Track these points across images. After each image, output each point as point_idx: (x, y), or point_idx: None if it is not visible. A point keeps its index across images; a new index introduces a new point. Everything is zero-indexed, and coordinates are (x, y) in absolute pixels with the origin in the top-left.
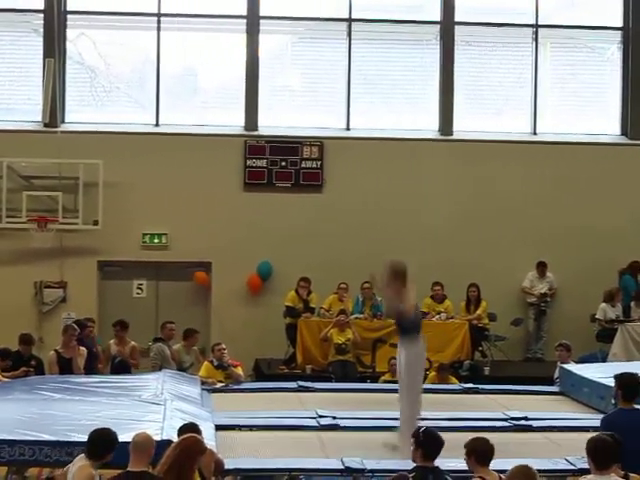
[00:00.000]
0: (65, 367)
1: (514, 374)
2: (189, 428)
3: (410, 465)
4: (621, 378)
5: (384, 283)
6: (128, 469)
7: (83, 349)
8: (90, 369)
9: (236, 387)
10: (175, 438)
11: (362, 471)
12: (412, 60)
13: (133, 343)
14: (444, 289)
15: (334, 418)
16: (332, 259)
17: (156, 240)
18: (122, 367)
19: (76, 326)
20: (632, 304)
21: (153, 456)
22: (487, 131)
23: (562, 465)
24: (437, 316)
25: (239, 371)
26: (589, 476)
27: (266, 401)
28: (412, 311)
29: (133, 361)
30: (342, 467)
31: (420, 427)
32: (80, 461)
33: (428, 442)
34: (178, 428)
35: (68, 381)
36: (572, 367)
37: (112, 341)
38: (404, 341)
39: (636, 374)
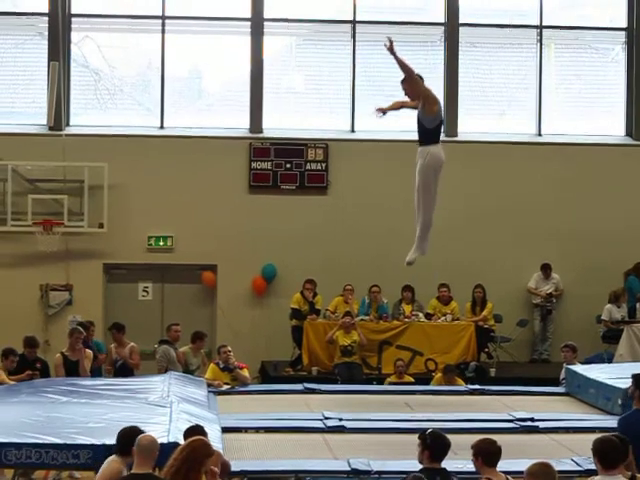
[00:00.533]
0: (71, 370)
1: (520, 375)
2: (195, 430)
3: (417, 466)
4: (638, 379)
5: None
6: (132, 471)
7: (89, 351)
8: (92, 371)
9: (242, 389)
10: (181, 440)
11: (369, 473)
12: (416, 61)
13: (132, 344)
14: (450, 290)
15: (340, 420)
16: (337, 261)
17: (161, 243)
18: (124, 370)
19: (82, 329)
20: (638, 305)
21: (157, 458)
22: (492, 132)
23: (569, 466)
24: (443, 318)
25: (245, 373)
26: (596, 477)
27: (272, 403)
28: (434, 107)
29: (132, 361)
30: (348, 469)
31: (427, 429)
32: (110, 459)
33: (435, 444)
34: (184, 430)
35: (74, 384)
36: (578, 368)
37: (112, 345)
38: (425, 145)
39: None
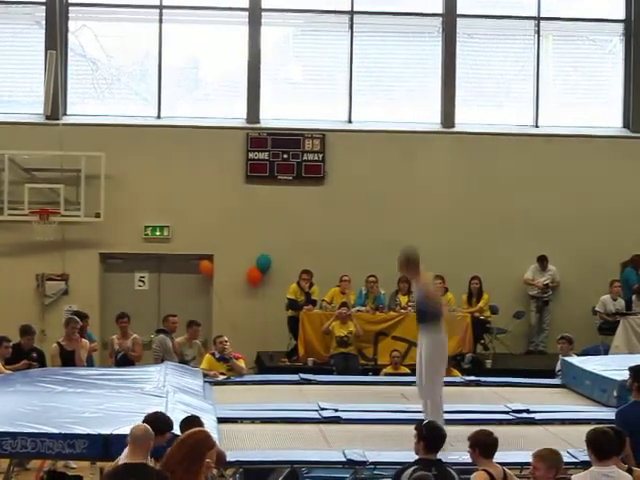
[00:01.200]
0: (67, 359)
1: (516, 367)
2: (192, 421)
3: (413, 457)
4: (636, 370)
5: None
6: (126, 461)
7: (85, 341)
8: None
9: (238, 379)
10: (177, 431)
11: (364, 463)
12: (414, 52)
13: (135, 335)
14: (445, 282)
15: (336, 411)
16: (334, 251)
17: (158, 232)
18: (125, 362)
19: (78, 318)
20: (634, 297)
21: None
22: (489, 123)
23: (564, 458)
24: None
25: (241, 363)
26: (591, 468)
27: (268, 394)
28: (433, 297)
29: (134, 353)
30: (344, 459)
31: (422, 420)
32: None
33: (430, 435)
34: (180, 421)
35: (70, 373)
36: (574, 360)
37: (114, 336)
38: (424, 330)
39: None
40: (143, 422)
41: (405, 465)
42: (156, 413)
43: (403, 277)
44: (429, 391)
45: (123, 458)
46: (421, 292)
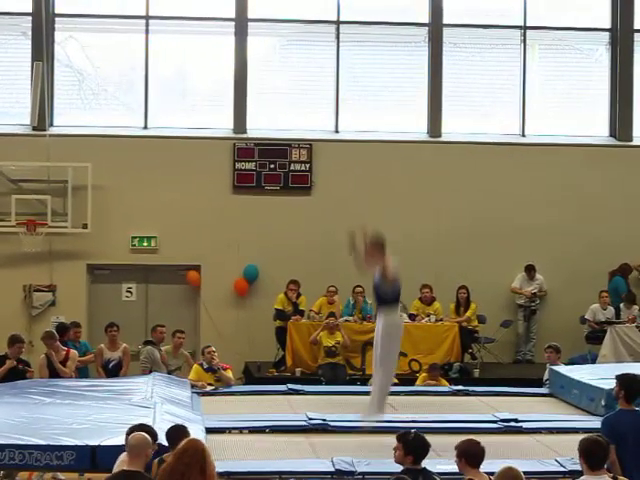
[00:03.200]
0: (55, 371)
1: (504, 376)
2: (178, 430)
3: (398, 467)
4: (623, 379)
5: (363, 251)
6: (123, 469)
7: (74, 352)
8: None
9: (226, 390)
10: (164, 441)
11: (352, 473)
12: (400, 62)
13: (125, 345)
14: (433, 291)
15: (324, 421)
16: (321, 262)
17: (145, 243)
18: (117, 371)
19: (54, 332)
20: (622, 306)
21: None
22: (476, 133)
23: (552, 467)
24: (426, 318)
25: (229, 374)
26: (582, 477)
27: (256, 404)
28: (392, 279)
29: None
30: (332, 469)
31: (408, 431)
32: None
33: (418, 445)
34: (167, 430)
35: (58, 385)
36: (561, 369)
37: (103, 345)
38: (382, 311)
39: (639, 375)
40: (127, 434)
41: (394, 476)
42: (141, 425)
43: None
44: (381, 373)
45: (118, 466)
46: (382, 274)
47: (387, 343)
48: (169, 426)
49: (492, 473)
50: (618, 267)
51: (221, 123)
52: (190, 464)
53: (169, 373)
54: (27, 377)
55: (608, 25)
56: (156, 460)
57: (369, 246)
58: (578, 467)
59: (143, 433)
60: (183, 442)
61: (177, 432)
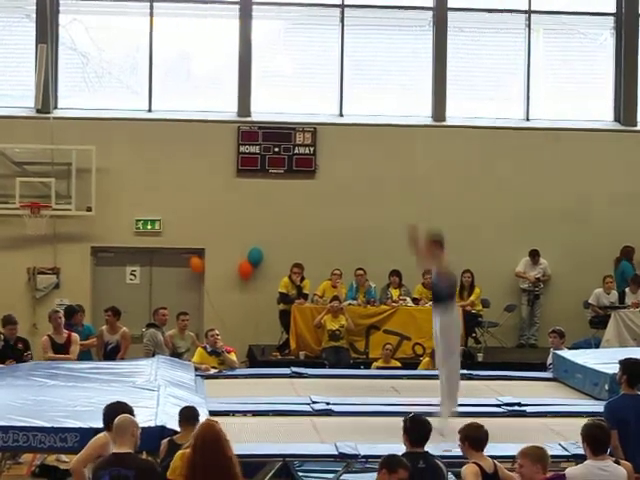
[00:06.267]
0: (59, 351)
1: (507, 360)
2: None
3: (403, 450)
4: (626, 363)
5: (422, 248)
6: (113, 451)
7: (76, 335)
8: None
9: (229, 373)
10: (168, 424)
11: (356, 457)
12: (405, 46)
13: (124, 329)
14: None
15: (327, 404)
16: (325, 245)
17: (149, 226)
18: (115, 354)
19: (60, 310)
20: (627, 290)
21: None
22: (480, 117)
23: (556, 451)
24: (430, 302)
25: (233, 357)
26: (586, 462)
27: (259, 387)
28: (447, 276)
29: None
30: (336, 452)
31: (408, 414)
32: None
33: (415, 428)
34: (180, 411)
35: (61, 367)
36: (565, 353)
37: (104, 327)
38: (439, 308)
39: None
40: (104, 412)
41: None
42: (118, 402)
43: (394, 271)
44: (447, 371)
45: (95, 448)
46: (438, 272)
47: (446, 342)
48: (173, 409)
49: (495, 457)
50: (621, 250)
51: (225, 106)
52: (211, 456)
53: (179, 356)
54: (24, 359)
55: (613, 10)
56: (165, 440)
57: (428, 242)
58: (581, 451)
59: (127, 415)
60: (198, 430)
61: (190, 413)
